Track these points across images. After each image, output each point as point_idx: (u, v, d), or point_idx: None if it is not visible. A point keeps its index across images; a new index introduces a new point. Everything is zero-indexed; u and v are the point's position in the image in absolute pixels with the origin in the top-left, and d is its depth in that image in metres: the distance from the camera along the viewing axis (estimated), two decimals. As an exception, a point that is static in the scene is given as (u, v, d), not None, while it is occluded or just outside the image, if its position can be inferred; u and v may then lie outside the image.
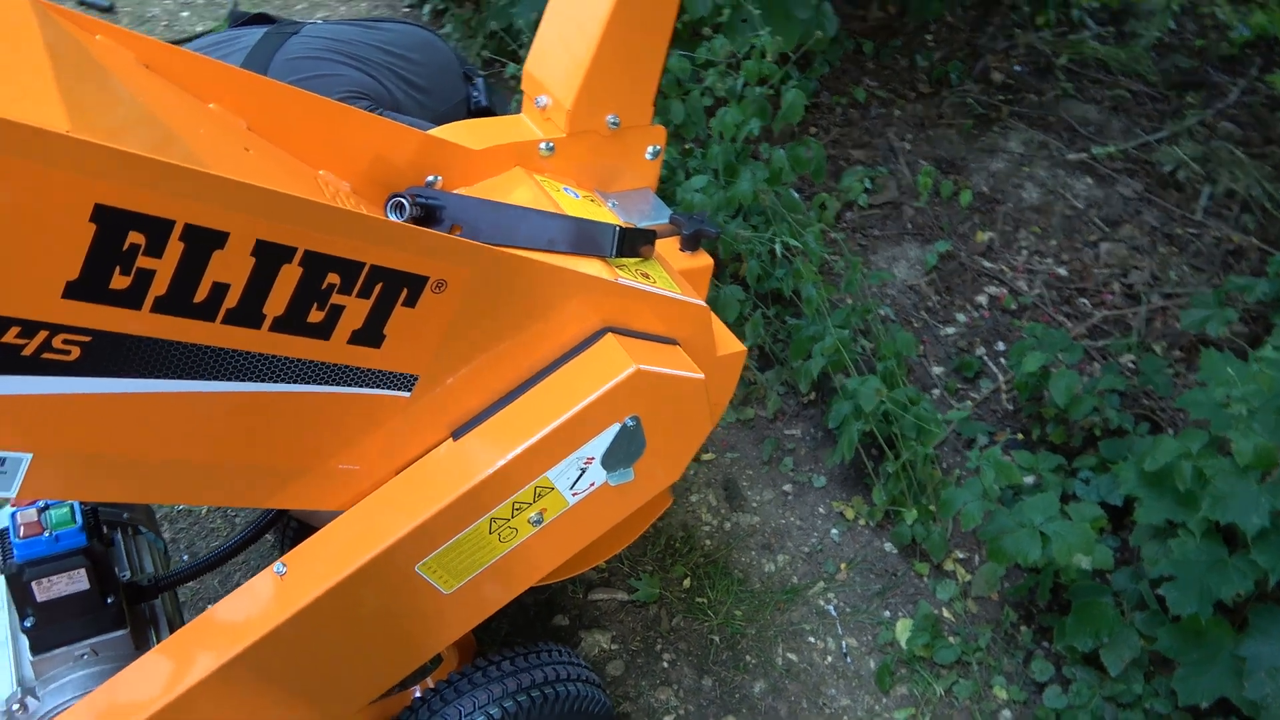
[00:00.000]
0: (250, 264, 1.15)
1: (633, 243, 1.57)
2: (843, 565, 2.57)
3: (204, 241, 1.11)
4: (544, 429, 1.45)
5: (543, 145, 1.72)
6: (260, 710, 1.50)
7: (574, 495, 1.58)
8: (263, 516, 1.76)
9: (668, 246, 1.79)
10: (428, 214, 1.59)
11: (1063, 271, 3.43)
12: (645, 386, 1.50)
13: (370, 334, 1.31)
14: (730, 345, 1.76)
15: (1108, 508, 2.44)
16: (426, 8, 4.88)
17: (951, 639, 2.40)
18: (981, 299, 3.34)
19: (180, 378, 1.20)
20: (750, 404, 2.97)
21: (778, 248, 2.51)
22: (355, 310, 1.27)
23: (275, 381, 1.28)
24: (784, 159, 2.68)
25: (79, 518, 1.48)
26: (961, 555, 2.59)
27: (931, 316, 3.28)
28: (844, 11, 5.01)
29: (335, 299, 1.25)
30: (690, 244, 1.77)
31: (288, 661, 1.47)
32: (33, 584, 1.44)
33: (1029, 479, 2.61)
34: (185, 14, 4.93)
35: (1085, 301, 3.33)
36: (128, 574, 1.71)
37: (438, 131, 1.72)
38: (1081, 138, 4.00)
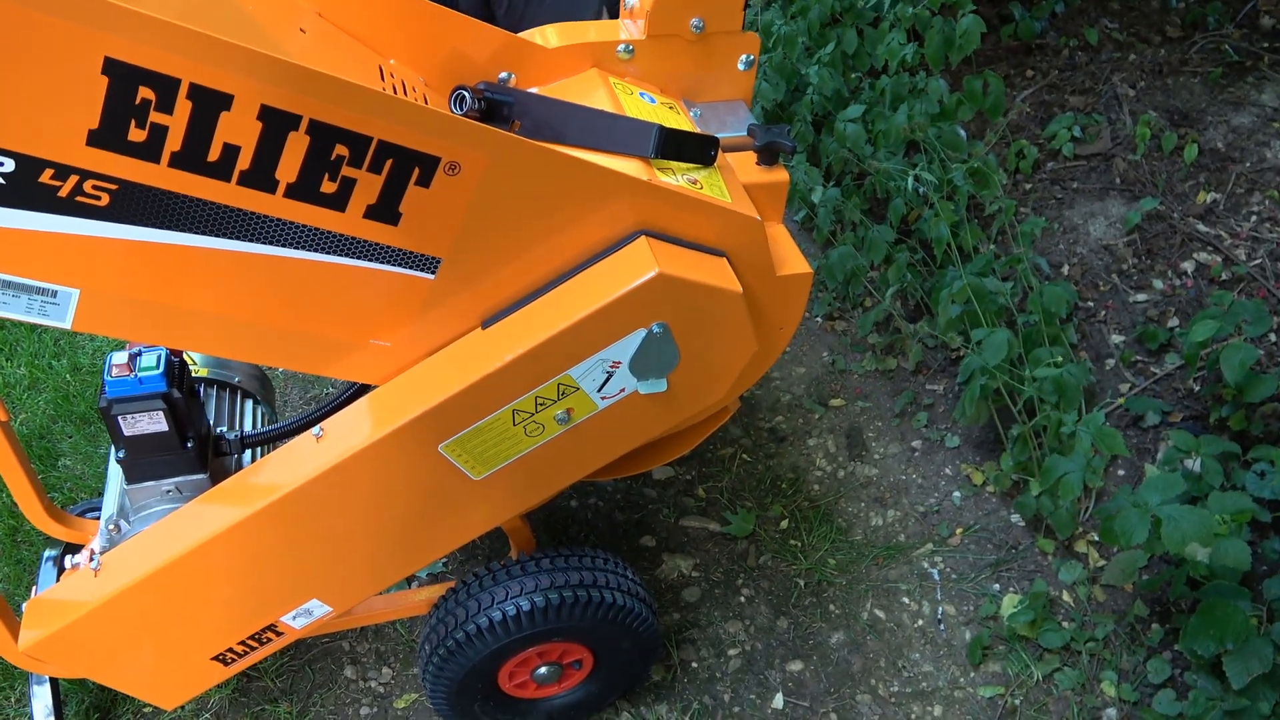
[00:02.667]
0: (258, 128, 1.22)
1: (680, 145, 1.52)
2: (958, 530, 2.40)
3: (210, 102, 1.18)
4: (560, 326, 1.45)
5: (620, 47, 1.69)
6: (282, 569, 1.62)
7: (603, 399, 1.58)
8: (343, 392, 1.88)
9: (746, 160, 1.72)
10: (491, 109, 1.61)
11: (1296, 242, 2.96)
12: (670, 292, 1.46)
13: (385, 210, 1.35)
14: (795, 266, 1.67)
15: (1281, 508, 2.12)
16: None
17: (1065, 624, 2.19)
18: (1187, 265, 2.95)
19: (206, 234, 1.30)
20: (893, 354, 2.81)
21: (909, 184, 2.34)
22: (367, 185, 1.32)
23: (296, 248, 1.35)
24: (942, 89, 2.48)
25: (162, 366, 1.64)
26: (1097, 538, 2.34)
27: (1123, 280, 2.95)
28: (1096, -53, 4.54)
29: (346, 171, 1.30)
30: (765, 157, 1.69)
31: (317, 520, 1.57)
32: (119, 418, 1.62)
33: (1191, 464, 2.31)
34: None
35: (1319, 278, 2.86)
36: (223, 429, 1.89)
37: (526, 32, 1.74)
38: (1357, 92, 3.41)
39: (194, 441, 1.70)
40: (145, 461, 1.69)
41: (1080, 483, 1.94)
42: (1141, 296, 2.90)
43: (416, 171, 1.33)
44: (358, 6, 1.57)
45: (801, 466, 2.55)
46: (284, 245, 1.35)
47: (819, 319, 2.95)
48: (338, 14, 1.57)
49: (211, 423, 1.90)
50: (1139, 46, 3.81)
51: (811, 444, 2.61)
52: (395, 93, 1.56)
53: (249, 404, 2.03)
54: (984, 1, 4.03)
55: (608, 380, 1.55)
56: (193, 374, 1.95)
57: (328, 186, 1.30)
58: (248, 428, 1.97)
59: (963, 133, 2.61)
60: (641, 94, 1.71)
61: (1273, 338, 2.72)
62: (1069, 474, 1.95)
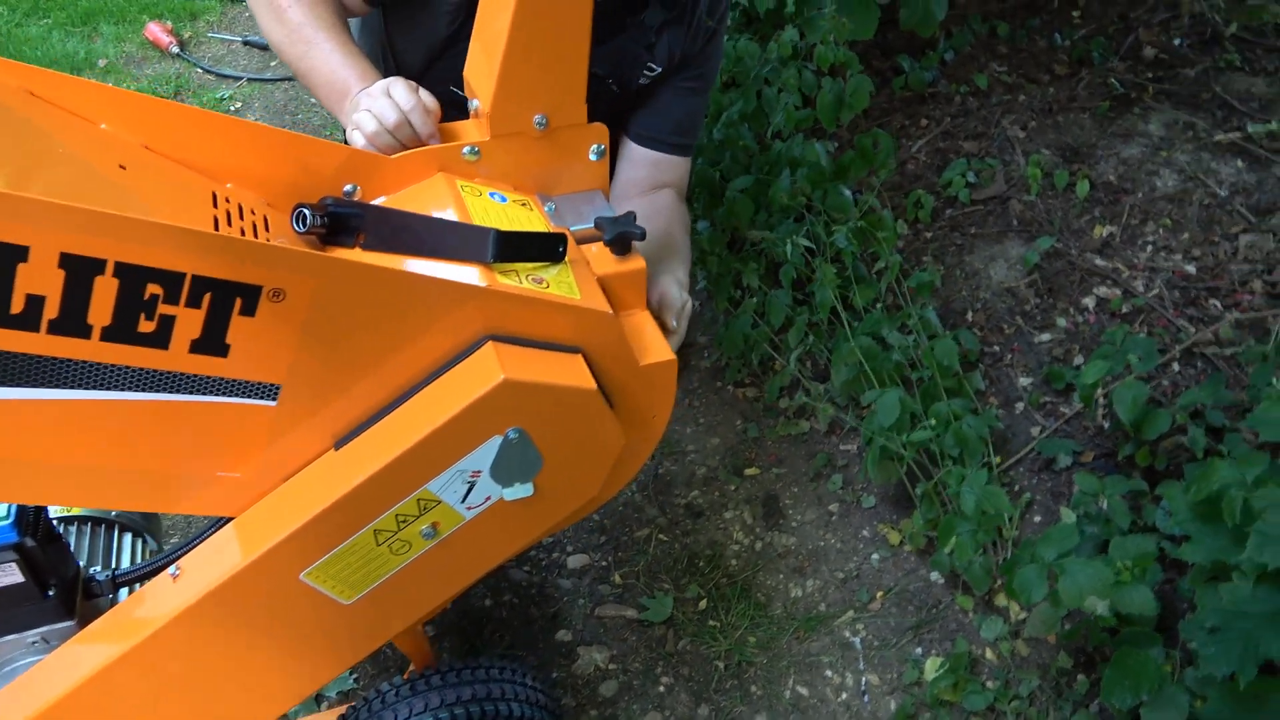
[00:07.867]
0: (60, 276, 1.19)
1: (521, 247, 1.51)
2: (879, 594, 2.37)
3: (5, 255, 1.15)
4: (410, 442, 1.41)
5: (465, 149, 1.68)
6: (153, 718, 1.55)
7: (469, 510, 1.53)
8: (208, 527, 1.81)
9: (604, 250, 1.71)
10: (336, 223, 1.58)
11: (1191, 269, 3.00)
12: (520, 397, 1.43)
13: (212, 343, 1.31)
14: (658, 354, 1.65)
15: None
16: None
17: (989, 684, 2.15)
18: (1088, 301, 2.98)
19: (23, 385, 1.25)
20: (805, 417, 2.80)
21: (788, 249, 2.34)
22: (189, 320, 1.28)
23: (122, 389, 1.31)
24: (820, 152, 2.50)
25: (12, 515, 1.58)
26: (1016, 589, 2.31)
27: (1027, 322, 2.97)
28: (981, -8, 4.66)
29: (163, 309, 1.26)
30: (618, 248, 1.68)
31: (179, 664, 1.51)
32: (-33, 575, 1.55)
33: (1103, 504, 2.30)
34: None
35: (1216, 303, 2.90)
36: (97, 569, 1.82)
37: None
38: (1237, 115, 3.50)
39: (57, 589, 1.63)
40: (4, 615, 1.62)
41: (973, 544, 1.91)
42: (1046, 336, 2.91)
43: (239, 302, 1.29)
44: (186, 138, 1.54)
45: (719, 541, 2.51)
46: (108, 388, 1.30)
47: (730, 387, 2.93)
48: (167, 145, 1.54)
49: (84, 563, 1.83)
50: (1028, 87, 3.89)
51: (728, 516, 2.57)
52: (230, 217, 1.53)
53: (127, 538, 1.96)
54: (876, 55, 4.12)
55: (470, 490, 1.51)
56: (62, 513, 1.89)
57: (146, 326, 1.26)
58: (125, 564, 1.90)
59: (848, 193, 2.63)
60: (491, 194, 1.70)
61: (1175, 366, 2.74)
62: (961, 535, 1.92)
